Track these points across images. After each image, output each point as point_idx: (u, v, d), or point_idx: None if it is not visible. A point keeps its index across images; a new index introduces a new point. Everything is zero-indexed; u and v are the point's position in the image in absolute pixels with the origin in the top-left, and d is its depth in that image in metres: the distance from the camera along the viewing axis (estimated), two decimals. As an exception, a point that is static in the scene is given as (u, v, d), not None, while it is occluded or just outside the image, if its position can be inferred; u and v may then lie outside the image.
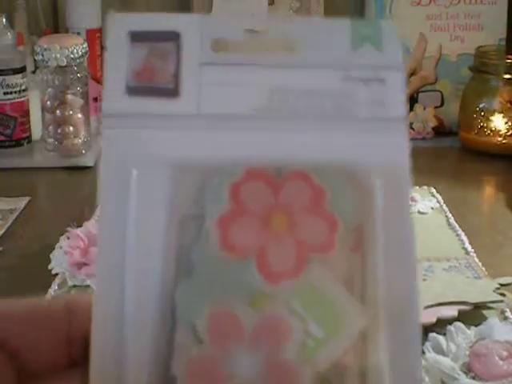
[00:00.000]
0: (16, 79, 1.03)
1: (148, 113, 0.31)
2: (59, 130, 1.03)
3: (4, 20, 1.03)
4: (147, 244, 0.31)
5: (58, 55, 1.00)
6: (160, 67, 0.32)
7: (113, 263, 0.30)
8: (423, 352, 0.56)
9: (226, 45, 0.32)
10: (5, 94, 1.02)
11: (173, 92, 0.32)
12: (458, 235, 0.80)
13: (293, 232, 0.31)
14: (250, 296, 0.30)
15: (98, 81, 1.16)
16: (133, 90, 0.31)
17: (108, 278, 0.30)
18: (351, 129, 0.32)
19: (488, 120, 1.06)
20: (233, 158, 0.31)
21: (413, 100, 1.14)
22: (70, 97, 1.03)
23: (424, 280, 0.67)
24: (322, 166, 0.32)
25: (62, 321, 0.31)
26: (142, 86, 0.31)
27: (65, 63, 1.01)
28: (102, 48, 1.18)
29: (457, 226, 0.82)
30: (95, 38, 1.15)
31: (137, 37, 0.32)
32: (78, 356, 0.31)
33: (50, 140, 1.04)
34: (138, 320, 0.30)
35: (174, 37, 0.32)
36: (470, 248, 0.76)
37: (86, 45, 1.04)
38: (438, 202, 0.88)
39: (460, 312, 0.61)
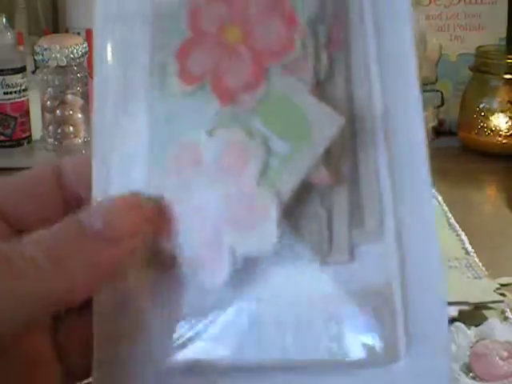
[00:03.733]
0: (16, 79, 1.03)
1: None
2: (59, 130, 1.03)
3: (4, 20, 1.03)
4: (134, 84, 0.29)
5: (58, 55, 1.00)
6: None
7: (106, 109, 0.29)
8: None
9: None
10: (5, 93, 1.02)
11: None
12: (458, 235, 0.80)
13: (247, 42, 0.27)
14: (209, 124, 0.27)
15: (98, 81, 1.16)
16: None
17: (102, 124, 0.29)
18: None
19: (488, 120, 1.06)
20: None
21: (413, 100, 1.14)
22: (69, 97, 1.02)
23: (424, 280, 0.67)
24: None
25: (53, 184, 0.31)
26: None
27: (65, 63, 1.00)
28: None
29: (457, 225, 0.82)
30: (95, 38, 1.14)
31: None
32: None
33: (50, 140, 1.04)
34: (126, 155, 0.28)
35: None
36: (470, 248, 0.76)
37: (85, 45, 1.03)
38: (438, 201, 0.88)
39: (460, 312, 0.61)
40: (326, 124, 0.26)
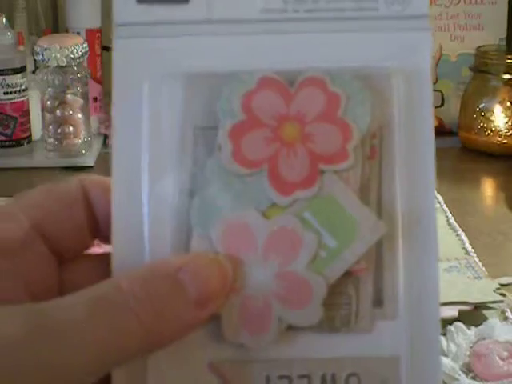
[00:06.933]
0: (16, 79, 1.03)
1: (159, 20, 0.31)
2: (59, 130, 1.03)
3: (4, 20, 1.03)
4: (163, 156, 0.30)
5: (58, 55, 1.00)
6: None
7: (128, 177, 0.30)
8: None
9: None
10: (5, 93, 1.02)
11: None
12: (458, 235, 0.80)
13: (305, 142, 0.30)
14: (262, 207, 0.30)
15: (98, 81, 1.16)
16: None
17: (125, 193, 0.30)
18: (371, 28, 0.31)
19: (488, 120, 1.06)
20: (245, 63, 0.30)
21: (413, 100, 1.14)
22: (69, 97, 1.03)
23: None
24: (338, 70, 0.30)
25: (79, 201, 0.32)
26: None
27: (65, 63, 1.01)
28: (102, 48, 1.17)
29: (457, 226, 0.82)
30: (95, 38, 1.14)
31: None
32: (105, 237, 0.32)
33: (50, 140, 1.04)
34: (156, 232, 0.30)
35: None
36: (470, 248, 0.76)
37: (85, 45, 1.04)
38: (438, 202, 0.88)
39: (460, 312, 0.61)
40: (371, 230, 0.30)
